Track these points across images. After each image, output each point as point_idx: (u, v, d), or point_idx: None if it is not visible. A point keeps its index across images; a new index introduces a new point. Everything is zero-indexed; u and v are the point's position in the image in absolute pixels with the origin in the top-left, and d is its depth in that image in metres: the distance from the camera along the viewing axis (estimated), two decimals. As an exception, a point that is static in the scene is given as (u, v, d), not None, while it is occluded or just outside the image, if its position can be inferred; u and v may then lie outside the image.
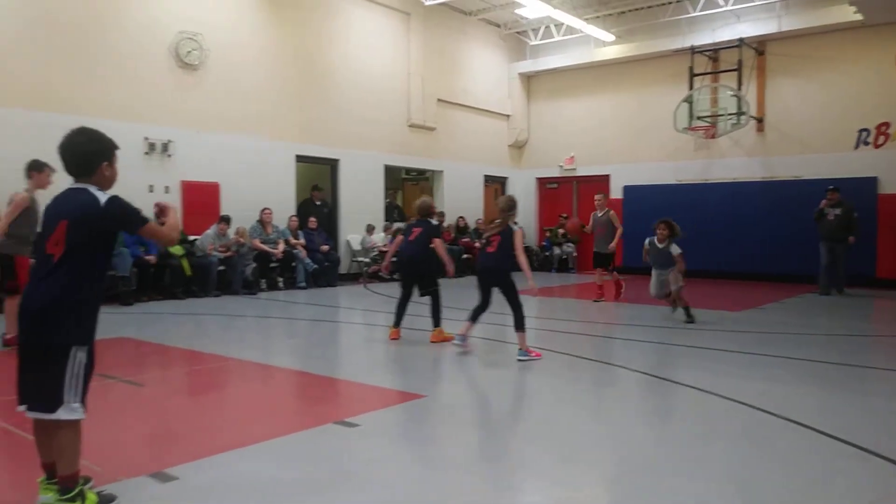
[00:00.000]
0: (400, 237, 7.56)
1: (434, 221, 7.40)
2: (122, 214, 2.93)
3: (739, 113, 14.02)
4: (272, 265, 12.08)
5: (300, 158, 13.40)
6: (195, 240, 11.09)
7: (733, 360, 6.32)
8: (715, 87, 14.70)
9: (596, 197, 11.22)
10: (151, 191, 10.72)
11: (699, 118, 14.54)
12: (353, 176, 14.40)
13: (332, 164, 14.20)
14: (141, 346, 6.89)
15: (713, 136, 14.79)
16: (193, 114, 11.49)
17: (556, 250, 17.40)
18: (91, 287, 2.90)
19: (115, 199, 2.90)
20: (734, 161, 15.39)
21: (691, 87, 14.64)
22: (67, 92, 9.97)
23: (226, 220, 11.42)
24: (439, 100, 16.24)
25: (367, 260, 14.15)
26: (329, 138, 13.79)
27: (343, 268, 13.98)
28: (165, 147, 11.06)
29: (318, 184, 13.98)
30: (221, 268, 11.18)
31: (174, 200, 11.10)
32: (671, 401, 5.02)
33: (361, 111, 14.37)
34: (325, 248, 12.99)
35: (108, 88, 10.43)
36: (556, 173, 18.41)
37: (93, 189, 2.91)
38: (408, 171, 17.24)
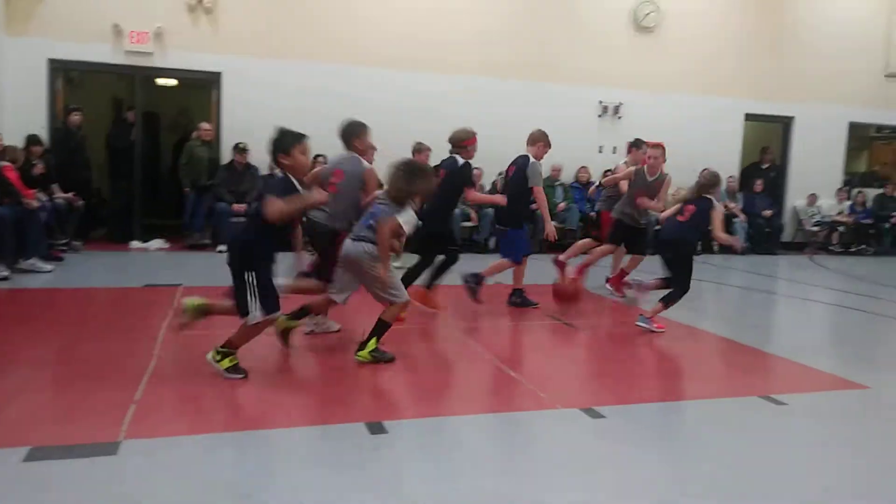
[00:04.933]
0: None
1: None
2: None
3: None
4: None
5: (749, 117, 12.82)
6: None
7: None
8: None
9: None
10: (601, 151, 11.63)
11: None
12: (809, 135, 13.17)
13: (784, 123, 13.24)
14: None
15: None
16: (645, 76, 11.94)
17: None
18: None
19: None
20: None
21: None
22: (555, 61, 11.45)
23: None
24: (931, 42, 13.59)
25: (814, 229, 12.95)
26: (784, 94, 12.84)
27: (787, 236, 13.08)
28: (616, 109, 11.80)
29: (767, 145, 13.21)
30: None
31: (620, 161, 11.78)
32: None
33: (824, 63, 12.96)
34: (767, 213, 12.32)
35: (568, 55, 11.54)
36: None
37: None
38: (879, 128, 14.96)
